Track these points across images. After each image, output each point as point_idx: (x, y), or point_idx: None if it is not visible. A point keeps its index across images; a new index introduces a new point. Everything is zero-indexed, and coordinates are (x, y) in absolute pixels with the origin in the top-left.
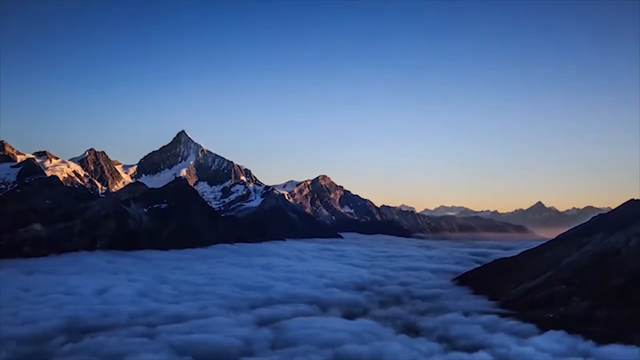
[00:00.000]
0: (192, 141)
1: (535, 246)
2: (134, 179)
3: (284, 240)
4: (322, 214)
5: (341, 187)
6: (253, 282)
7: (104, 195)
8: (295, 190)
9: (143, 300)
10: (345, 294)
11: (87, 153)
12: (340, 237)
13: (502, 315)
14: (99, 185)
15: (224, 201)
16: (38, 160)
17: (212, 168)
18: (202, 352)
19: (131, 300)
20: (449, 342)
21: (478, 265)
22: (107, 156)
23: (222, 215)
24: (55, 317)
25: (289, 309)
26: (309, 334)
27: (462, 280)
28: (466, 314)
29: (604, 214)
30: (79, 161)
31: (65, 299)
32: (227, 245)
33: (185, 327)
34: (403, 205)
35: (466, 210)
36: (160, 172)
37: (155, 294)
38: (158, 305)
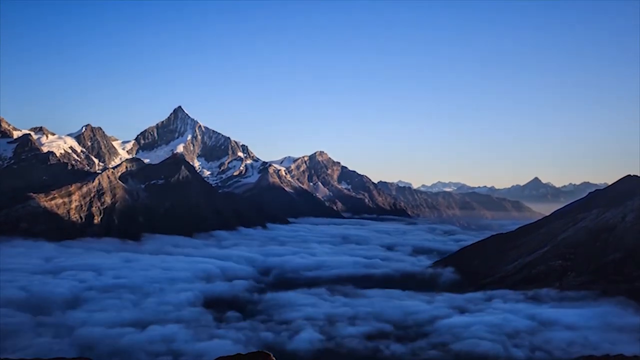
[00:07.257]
0: (189, 117)
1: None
2: (131, 154)
3: (290, 223)
4: (319, 190)
5: (338, 163)
6: None
7: (101, 172)
8: (293, 166)
9: None
10: None
11: (84, 129)
12: (342, 217)
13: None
14: (96, 161)
15: (221, 177)
16: (34, 137)
17: (209, 144)
18: None
19: None
20: None
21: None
22: (103, 132)
23: (219, 191)
24: None
25: None
26: None
27: (459, 256)
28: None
29: (600, 189)
30: (75, 137)
31: None
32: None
33: None
34: (400, 181)
35: (463, 185)
36: (157, 148)
37: None
38: None
